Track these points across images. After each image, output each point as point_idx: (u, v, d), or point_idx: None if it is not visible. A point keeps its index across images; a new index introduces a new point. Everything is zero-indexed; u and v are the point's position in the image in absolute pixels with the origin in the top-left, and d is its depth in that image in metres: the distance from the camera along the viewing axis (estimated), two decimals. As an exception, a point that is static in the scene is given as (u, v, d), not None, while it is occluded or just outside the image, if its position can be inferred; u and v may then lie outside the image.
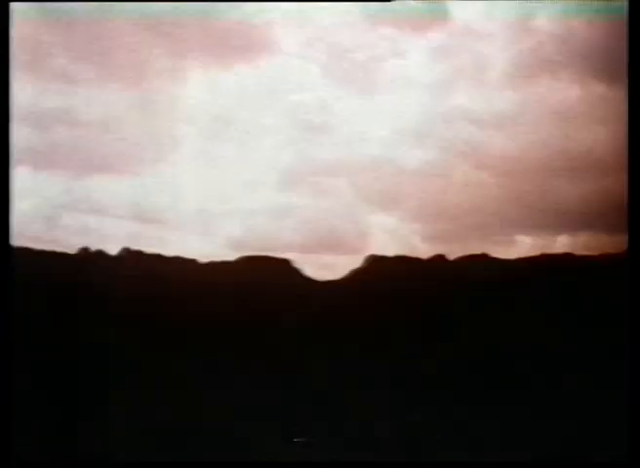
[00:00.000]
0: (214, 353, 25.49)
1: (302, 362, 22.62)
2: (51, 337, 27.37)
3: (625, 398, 9.29)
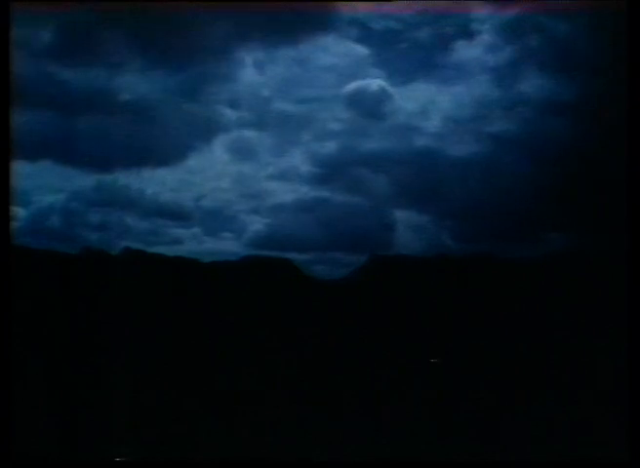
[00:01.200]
0: (214, 353, 25.51)
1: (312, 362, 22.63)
2: (51, 337, 27.41)
3: (625, 398, 9.28)
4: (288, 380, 17.34)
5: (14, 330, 9.92)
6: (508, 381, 17.23)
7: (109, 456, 9.99)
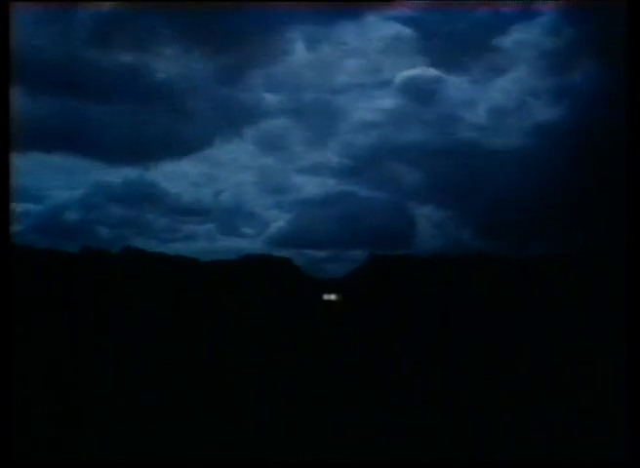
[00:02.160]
0: (214, 353, 25.61)
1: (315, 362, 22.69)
2: (51, 337, 27.49)
3: (625, 398, 9.28)
4: (293, 380, 17.39)
5: (14, 329, 9.93)
6: (508, 381, 17.28)
7: (109, 456, 10.01)
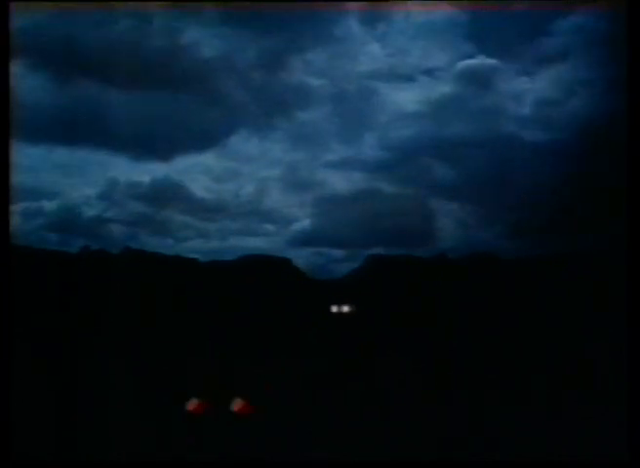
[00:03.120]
0: (215, 352, 25.54)
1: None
2: (51, 337, 27.46)
3: (625, 398, 9.28)
4: (295, 382, 17.38)
5: (14, 329, 9.93)
6: (508, 381, 17.26)
7: (109, 456, 10.00)
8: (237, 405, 12.95)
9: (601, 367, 18.53)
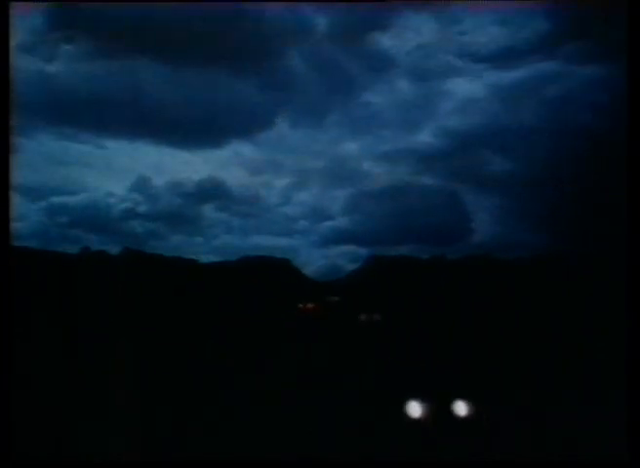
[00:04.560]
0: (214, 352, 25.59)
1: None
2: (50, 337, 27.48)
3: (625, 398, 9.29)
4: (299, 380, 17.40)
5: (14, 329, 9.93)
6: (508, 381, 17.27)
7: (109, 456, 10.01)
8: None
9: (601, 366, 18.55)
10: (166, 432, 11.67)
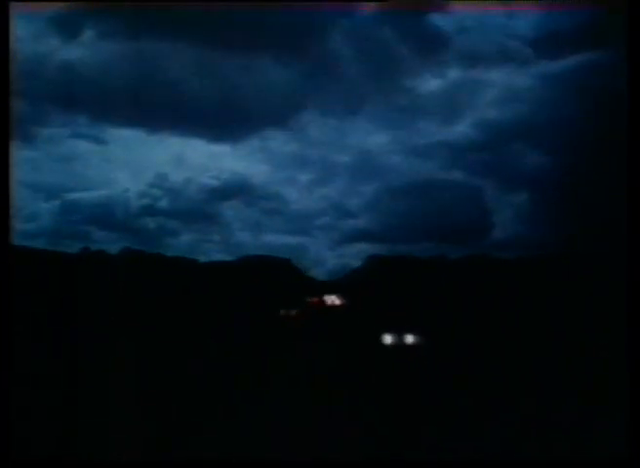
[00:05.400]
0: (214, 353, 25.57)
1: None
2: (50, 337, 27.46)
3: (626, 397, 9.28)
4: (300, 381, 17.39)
5: (14, 329, 9.93)
6: (508, 381, 17.27)
7: (109, 456, 10.00)
8: None
9: (601, 366, 18.55)
10: (166, 432, 11.65)
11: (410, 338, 33.83)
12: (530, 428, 11.65)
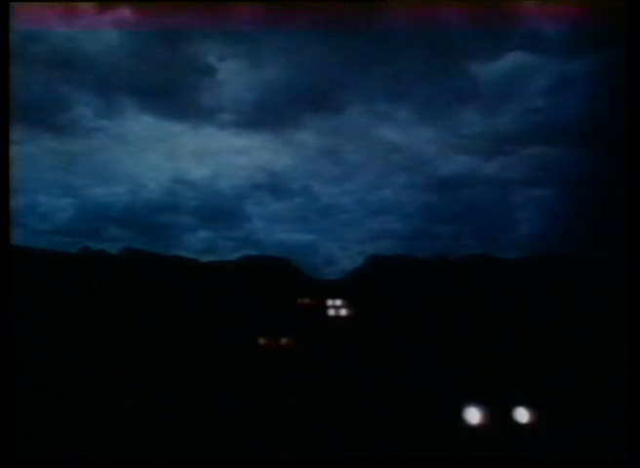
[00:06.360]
0: (214, 353, 25.56)
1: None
2: (50, 337, 27.44)
3: (625, 398, 9.28)
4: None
5: (14, 329, 9.93)
6: (508, 381, 17.24)
7: (109, 456, 10.00)
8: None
9: (601, 366, 18.54)
10: (166, 432, 11.66)
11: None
12: (530, 428, 11.65)
